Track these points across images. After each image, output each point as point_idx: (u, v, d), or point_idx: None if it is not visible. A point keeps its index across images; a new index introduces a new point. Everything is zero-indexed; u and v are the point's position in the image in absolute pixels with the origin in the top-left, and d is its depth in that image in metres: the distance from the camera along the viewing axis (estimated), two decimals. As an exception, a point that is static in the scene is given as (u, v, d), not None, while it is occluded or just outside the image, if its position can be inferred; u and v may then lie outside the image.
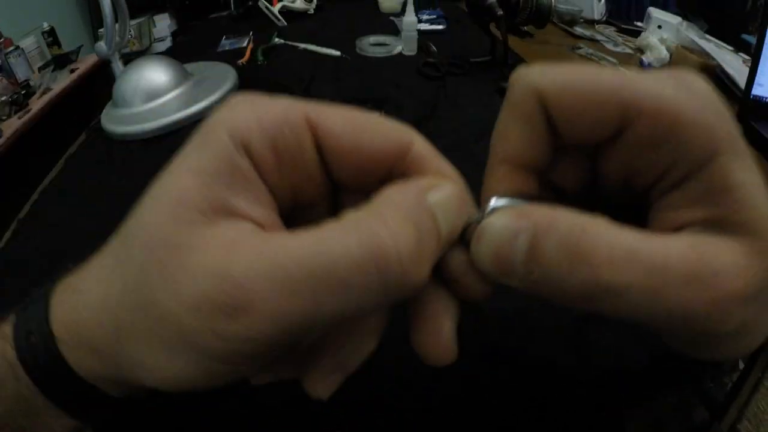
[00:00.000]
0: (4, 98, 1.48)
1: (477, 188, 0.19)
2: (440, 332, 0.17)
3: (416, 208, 0.15)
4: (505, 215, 0.15)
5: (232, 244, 0.14)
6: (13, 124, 1.40)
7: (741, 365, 0.30)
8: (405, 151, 0.17)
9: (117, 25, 0.75)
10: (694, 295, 0.14)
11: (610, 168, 0.18)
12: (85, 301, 0.17)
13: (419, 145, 0.18)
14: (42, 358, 0.17)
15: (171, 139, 0.66)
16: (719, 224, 0.15)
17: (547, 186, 0.20)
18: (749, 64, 0.81)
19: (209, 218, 0.14)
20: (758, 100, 0.78)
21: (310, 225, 0.16)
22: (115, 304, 0.16)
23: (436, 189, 0.16)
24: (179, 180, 0.15)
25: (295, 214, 0.18)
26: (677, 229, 0.16)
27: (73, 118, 1.62)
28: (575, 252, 0.14)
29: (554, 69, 0.17)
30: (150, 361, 0.15)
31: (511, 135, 0.18)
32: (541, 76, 0.17)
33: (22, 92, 1.55)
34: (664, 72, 0.16)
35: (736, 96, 0.85)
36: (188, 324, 0.14)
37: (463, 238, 0.16)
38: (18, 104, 1.50)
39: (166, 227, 0.14)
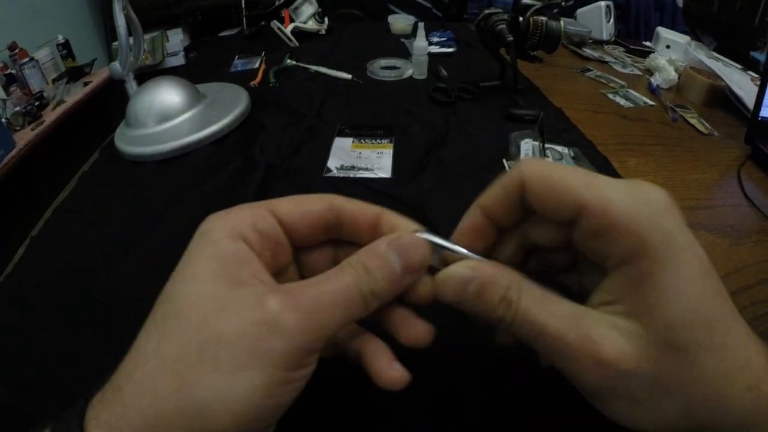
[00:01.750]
0: (18, 109, 1.50)
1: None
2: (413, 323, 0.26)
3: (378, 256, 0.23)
4: (465, 266, 0.24)
5: (261, 294, 0.21)
6: (27, 135, 1.42)
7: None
8: (332, 212, 0.26)
9: (131, 46, 0.76)
10: (570, 353, 0.21)
11: (576, 241, 0.24)
12: (129, 391, 0.20)
13: (342, 204, 0.27)
14: None
15: (184, 161, 0.67)
16: (625, 312, 0.21)
17: (525, 241, 0.27)
18: (758, 83, 0.82)
19: (239, 285, 0.21)
20: (766, 121, 0.78)
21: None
22: (173, 362, 0.20)
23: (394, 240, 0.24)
24: (208, 265, 0.22)
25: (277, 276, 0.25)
26: (598, 305, 0.23)
27: (86, 130, 1.64)
28: (502, 301, 0.23)
29: (540, 164, 0.24)
30: (219, 384, 0.19)
31: (491, 193, 0.26)
32: (527, 166, 0.24)
33: (36, 103, 1.57)
34: (628, 182, 0.22)
35: (745, 117, 0.86)
36: (250, 335, 0.20)
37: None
38: (31, 115, 1.53)
39: (215, 291, 0.21)
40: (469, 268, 0.24)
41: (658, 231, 0.20)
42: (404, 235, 0.24)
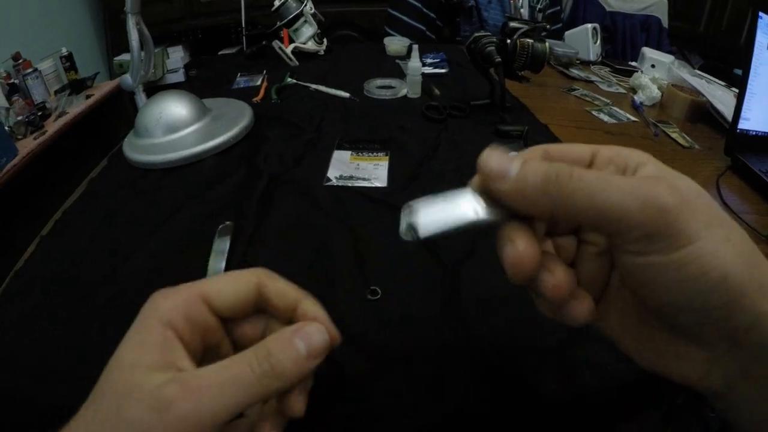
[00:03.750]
0: (20, 118, 1.53)
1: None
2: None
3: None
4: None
5: (164, 383, 0.23)
6: (29, 143, 1.45)
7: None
8: (259, 292, 0.29)
9: (142, 60, 0.80)
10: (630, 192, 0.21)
11: None
12: None
13: (267, 284, 0.29)
14: None
15: (190, 169, 0.70)
16: None
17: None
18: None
19: (153, 371, 0.24)
20: (744, 133, 0.83)
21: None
22: None
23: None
24: (134, 351, 0.25)
25: (205, 355, 0.28)
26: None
27: (88, 141, 1.67)
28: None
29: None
30: None
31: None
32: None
33: (39, 113, 1.60)
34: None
35: (726, 130, 0.89)
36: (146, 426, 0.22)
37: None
38: (34, 125, 1.55)
39: (131, 380, 0.23)
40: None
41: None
42: (309, 325, 0.26)
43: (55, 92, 1.78)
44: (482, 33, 0.88)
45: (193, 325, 0.26)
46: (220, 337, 0.29)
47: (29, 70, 1.68)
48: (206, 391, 0.23)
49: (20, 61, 1.67)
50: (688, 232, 0.20)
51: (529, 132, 0.77)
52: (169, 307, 0.26)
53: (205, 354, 0.28)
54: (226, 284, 0.28)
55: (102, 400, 0.24)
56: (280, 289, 0.29)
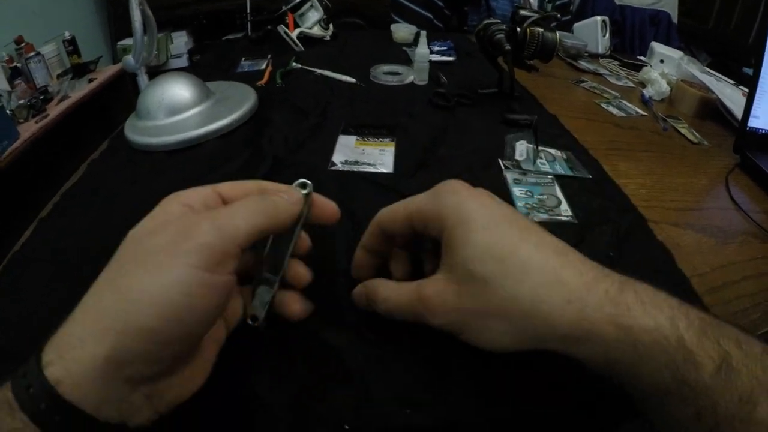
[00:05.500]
0: (22, 102, 1.52)
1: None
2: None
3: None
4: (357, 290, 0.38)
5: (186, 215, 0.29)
6: (31, 127, 1.44)
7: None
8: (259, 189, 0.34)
9: (146, 41, 0.79)
10: (416, 309, 0.31)
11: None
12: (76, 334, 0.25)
13: (266, 184, 0.35)
14: (43, 404, 0.22)
15: (192, 152, 0.69)
16: (444, 268, 0.31)
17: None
18: (749, 96, 0.85)
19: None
20: (754, 132, 0.82)
21: None
22: (114, 276, 0.26)
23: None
24: (154, 221, 0.29)
25: None
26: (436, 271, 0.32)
27: (90, 125, 1.66)
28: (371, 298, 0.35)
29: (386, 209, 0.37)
30: (145, 284, 0.24)
31: (368, 230, 0.39)
32: (380, 214, 0.37)
33: (41, 97, 1.59)
34: (433, 189, 0.34)
35: (735, 128, 0.88)
36: (172, 241, 0.26)
37: None
38: (36, 108, 1.55)
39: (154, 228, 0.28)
40: (359, 288, 0.37)
41: (448, 207, 0.30)
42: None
43: (58, 76, 1.77)
44: (492, 20, 0.87)
45: (207, 208, 0.29)
46: None
47: (32, 54, 1.66)
48: (226, 214, 0.28)
49: (23, 44, 1.66)
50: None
51: (538, 122, 0.75)
52: (190, 195, 0.30)
53: None
54: (234, 186, 0.33)
55: (116, 257, 0.27)
56: (278, 186, 0.35)
